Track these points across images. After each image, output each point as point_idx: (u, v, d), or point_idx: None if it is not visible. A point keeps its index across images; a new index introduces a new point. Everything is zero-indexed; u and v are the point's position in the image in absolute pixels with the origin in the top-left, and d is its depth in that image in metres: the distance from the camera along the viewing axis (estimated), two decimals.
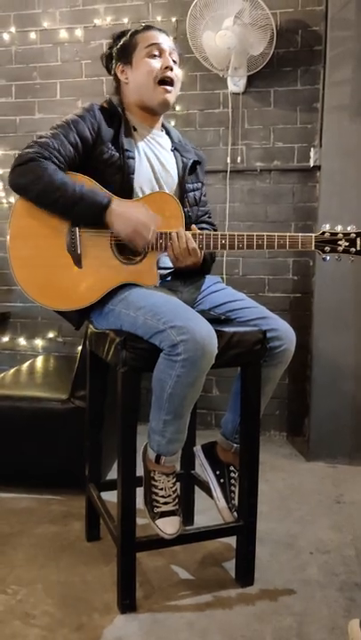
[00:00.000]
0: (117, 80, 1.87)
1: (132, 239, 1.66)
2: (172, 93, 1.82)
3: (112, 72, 1.88)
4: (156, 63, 1.78)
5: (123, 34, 1.86)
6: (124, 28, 3.14)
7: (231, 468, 1.89)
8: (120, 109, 1.82)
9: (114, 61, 1.87)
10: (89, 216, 1.66)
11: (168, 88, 1.80)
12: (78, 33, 3.25)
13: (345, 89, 2.68)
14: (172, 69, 1.79)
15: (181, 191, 1.86)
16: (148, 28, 1.83)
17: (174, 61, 1.82)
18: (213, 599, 1.71)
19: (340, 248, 1.69)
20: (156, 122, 1.89)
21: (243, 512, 1.77)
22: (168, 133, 1.94)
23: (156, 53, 1.79)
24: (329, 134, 2.73)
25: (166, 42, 1.81)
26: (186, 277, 1.87)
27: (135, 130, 1.83)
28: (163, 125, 1.94)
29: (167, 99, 1.81)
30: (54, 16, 3.27)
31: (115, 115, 1.80)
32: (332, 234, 1.70)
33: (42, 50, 3.30)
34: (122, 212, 1.65)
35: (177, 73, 1.82)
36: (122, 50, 1.83)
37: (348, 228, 1.70)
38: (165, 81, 1.79)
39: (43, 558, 1.91)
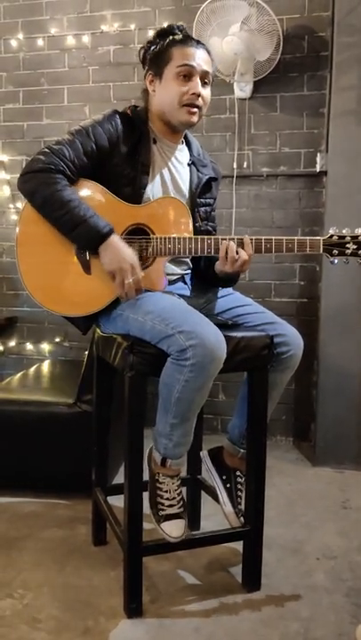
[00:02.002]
0: (145, 87, 1.82)
1: (114, 275, 1.65)
2: (197, 114, 1.76)
3: (144, 75, 1.82)
4: (185, 87, 1.71)
5: (162, 35, 1.77)
6: (131, 34, 3.20)
7: (238, 472, 1.89)
8: (144, 118, 1.79)
9: (146, 66, 1.81)
10: (86, 240, 1.65)
11: (193, 110, 1.74)
12: (85, 39, 3.27)
13: (351, 94, 2.69)
14: (199, 95, 1.74)
15: (192, 206, 1.85)
16: (185, 41, 1.73)
17: (205, 83, 1.75)
18: (220, 604, 1.70)
19: (349, 251, 1.69)
20: (177, 136, 1.85)
21: (249, 517, 1.77)
22: (189, 144, 1.91)
23: (187, 75, 1.71)
24: (335, 139, 2.74)
25: (200, 62, 1.72)
26: (194, 283, 1.87)
27: (155, 142, 1.81)
28: (185, 136, 1.90)
29: (191, 120, 1.76)
30: (62, 22, 3.29)
31: (137, 125, 1.77)
32: (340, 237, 1.70)
33: (49, 56, 3.33)
34: (116, 247, 1.64)
35: (205, 95, 1.76)
36: (155, 58, 1.76)
37: (356, 231, 1.70)
38: (192, 105, 1.74)
39: (49, 562, 1.91)
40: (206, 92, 1.77)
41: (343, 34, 2.68)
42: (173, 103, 1.73)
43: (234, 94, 3.09)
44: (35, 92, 3.36)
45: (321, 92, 3.01)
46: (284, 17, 3.00)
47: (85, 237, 1.64)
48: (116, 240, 1.65)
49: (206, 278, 1.87)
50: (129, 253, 1.65)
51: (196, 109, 1.75)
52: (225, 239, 1.70)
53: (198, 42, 1.76)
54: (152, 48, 1.78)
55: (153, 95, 1.79)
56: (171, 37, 1.74)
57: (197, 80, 1.73)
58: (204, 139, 3.15)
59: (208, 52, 1.77)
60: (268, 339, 1.71)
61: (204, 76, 1.74)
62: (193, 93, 1.72)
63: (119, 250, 1.64)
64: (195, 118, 1.76)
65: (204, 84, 1.75)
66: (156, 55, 1.76)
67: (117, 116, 1.75)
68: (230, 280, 1.85)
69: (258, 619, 1.64)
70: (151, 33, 3.14)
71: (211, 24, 2.87)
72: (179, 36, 1.75)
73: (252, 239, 1.70)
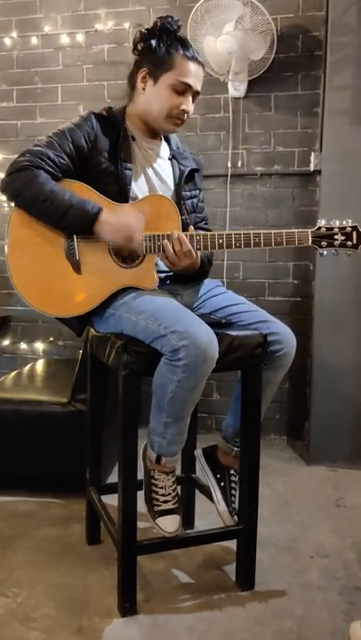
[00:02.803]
0: (134, 80, 1.82)
1: (127, 246, 1.67)
2: (179, 126, 1.82)
3: (134, 66, 1.82)
4: (177, 100, 1.75)
5: (165, 32, 1.76)
6: (126, 32, 3.19)
7: (232, 471, 1.89)
8: (120, 117, 1.81)
9: (141, 60, 1.79)
10: (78, 226, 1.65)
11: (177, 122, 1.80)
12: (80, 38, 3.27)
13: (345, 94, 2.69)
14: (188, 113, 1.78)
15: (178, 199, 1.86)
16: (188, 50, 1.75)
17: (193, 100, 1.81)
18: (214, 603, 1.71)
19: (337, 242, 1.70)
20: (156, 135, 1.88)
21: (243, 516, 1.77)
22: (167, 139, 1.93)
23: (182, 91, 1.75)
24: (329, 139, 2.74)
25: (197, 82, 1.77)
26: (186, 281, 1.87)
27: (134, 139, 1.82)
28: None
29: (173, 130, 1.84)
30: (56, 21, 3.28)
31: (113, 124, 1.79)
32: (329, 228, 1.71)
33: (43, 54, 3.32)
34: (111, 222, 1.65)
35: (191, 112, 1.81)
36: (153, 57, 1.75)
37: (344, 222, 1.71)
38: (178, 119, 1.79)
39: (43, 561, 1.91)
40: (192, 108, 1.82)
41: (337, 33, 2.68)
42: (162, 112, 1.77)
43: (228, 93, 3.09)
44: (28, 91, 3.36)
45: (315, 92, 3.02)
46: (278, 16, 3.00)
47: (76, 221, 1.64)
48: (106, 215, 1.65)
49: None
50: (126, 218, 1.66)
51: (180, 122, 1.80)
52: (214, 234, 1.70)
53: (199, 60, 1.78)
54: (153, 44, 1.75)
55: (142, 93, 1.80)
56: (174, 40, 1.75)
57: (190, 98, 1.78)
58: (198, 138, 3.15)
59: (203, 69, 1.81)
60: (262, 337, 1.71)
61: (194, 95, 1.80)
62: (183, 110, 1.77)
63: (116, 221, 1.65)
64: (177, 129, 1.84)
65: (193, 101, 1.81)
66: (156, 54, 1.75)
67: (93, 117, 1.77)
68: (201, 273, 1.86)
69: (252, 617, 1.64)
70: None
71: (205, 23, 2.87)
72: (183, 43, 1.75)
73: (239, 234, 1.69)
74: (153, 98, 1.77)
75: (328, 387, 2.80)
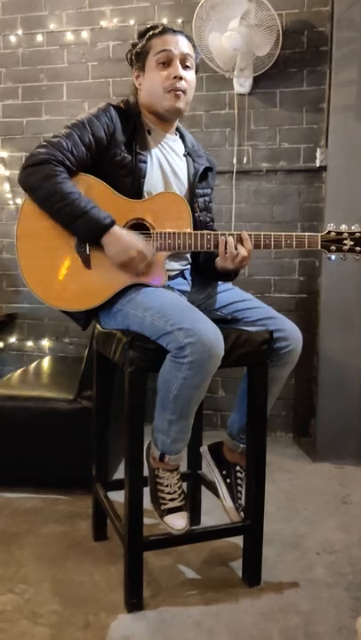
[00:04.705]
0: (134, 86, 1.86)
1: (125, 265, 1.66)
2: (183, 100, 1.78)
3: (132, 74, 1.87)
4: (165, 73, 1.75)
5: (142, 34, 1.81)
6: (131, 29, 3.19)
7: (238, 468, 1.89)
8: (137, 110, 1.82)
9: (132, 66, 1.85)
10: (88, 232, 1.65)
11: (177, 94, 1.76)
12: (85, 35, 3.26)
13: (351, 89, 2.68)
14: (181, 78, 1.75)
15: (191, 196, 1.85)
16: (163, 31, 1.77)
17: (187, 66, 1.78)
18: (220, 598, 1.71)
19: (346, 247, 1.71)
20: (169, 127, 1.87)
21: (249, 512, 1.77)
22: (182, 137, 1.93)
23: (165, 61, 1.75)
24: (335, 135, 2.73)
25: (179, 46, 1.75)
26: (193, 278, 1.88)
27: (149, 133, 1.82)
28: (177, 129, 1.93)
29: (176, 106, 1.78)
30: (61, 18, 3.28)
31: (130, 117, 1.79)
32: (338, 233, 1.71)
33: (48, 52, 3.32)
34: (120, 237, 1.64)
35: (189, 79, 1.78)
36: (137, 54, 1.81)
37: (353, 227, 1.71)
38: (175, 89, 1.76)
39: (50, 558, 1.92)
40: (189, 75, 1.79)
41: (343, 29, 2.67)
42: (158, 90, 1.76)
43: (233, 90, 3.08)
44: (34, 88, 3.36)
45: (320, 88, 3.01)
46: (284, 12, 2.99)
47: (87, 229, 1.64)
48: (118, 230, 1.65)
49: (205, 273, 1.87)
50: (134, 240, 1.65)
51: (180, 93, 1.77)
52: (224, 234, 1.70)
53: (177, 30, 1.79)
54: (136, 47, 1.82)
55: (140, 89, 1.83)
56: (151, 32, 1.78)
57: (177, 63, 1.76)
58: (203, 134, 3.15)
59: (188, 38, 1.80)
60: (268, 333, 1.71)
61: (184, 59, 1.77)
62: (175, 77, 1.75)
63: (123, 239, 1.64)
64: (180, 103, 1.78)
65: (186, 67, 1.78)
66: (138, 52, 1.80)
67: (112, 108, 1.77)
68: (230, 275, 1.86)
69: (258, 613, 1.64)
70: None
71: (210, 19, 2.87)
72: (158, 30, 1.78)
73: (250, 235, 1.70)
74: (147, 84, 1.79)
75: (334, 383, 2.79)
